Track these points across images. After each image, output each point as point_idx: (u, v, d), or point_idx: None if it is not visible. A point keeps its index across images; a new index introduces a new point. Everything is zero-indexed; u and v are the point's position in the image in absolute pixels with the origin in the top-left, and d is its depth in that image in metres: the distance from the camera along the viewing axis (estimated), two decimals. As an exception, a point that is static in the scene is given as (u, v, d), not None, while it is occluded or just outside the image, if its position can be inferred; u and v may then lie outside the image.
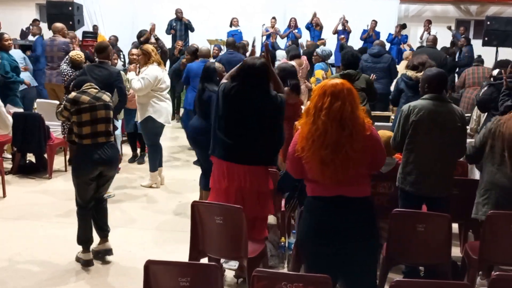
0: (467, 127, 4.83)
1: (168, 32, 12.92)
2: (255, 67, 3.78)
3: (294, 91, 5.25)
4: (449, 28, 13.24)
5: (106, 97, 4.44)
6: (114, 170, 4.55)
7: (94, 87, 4.45)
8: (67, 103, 4.32)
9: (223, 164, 3.85)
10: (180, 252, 3.98)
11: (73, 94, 4.36)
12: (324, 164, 2.74)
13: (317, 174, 2.80)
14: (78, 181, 4.31)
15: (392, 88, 7.27)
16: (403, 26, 13.88)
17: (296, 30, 13.36)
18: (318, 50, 8.52)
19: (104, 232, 4.53)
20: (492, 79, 5.64)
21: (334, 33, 13.65)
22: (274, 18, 13.71)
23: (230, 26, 13.27)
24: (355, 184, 2.82)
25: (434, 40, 9.30)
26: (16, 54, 8.31)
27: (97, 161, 4.25)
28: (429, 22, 13.43)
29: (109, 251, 4.52)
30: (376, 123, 4.51)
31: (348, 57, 6.08)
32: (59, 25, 9.16)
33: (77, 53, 7.23)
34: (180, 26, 12.99)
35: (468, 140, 4.24)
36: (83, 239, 4.39)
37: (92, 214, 4.45)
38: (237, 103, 3.80)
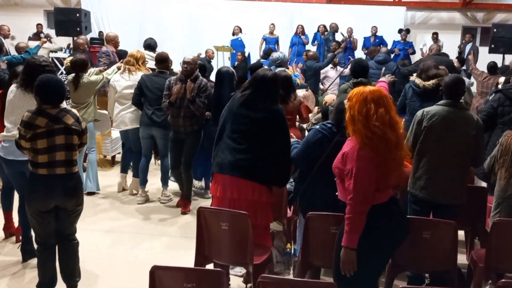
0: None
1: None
2: (267, 78, 3.86)
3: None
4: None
5: (69, 118, 3.61)
6: (76, 203, 3.73)
7: (60, 106, 3.65)
8: (21, 128, 3.57)
9: (221, 176, 3.84)
10: (186, 258, 3.99)
11: (26, 114, 3.59)
12: (395, 163, 2.92)
13: (387, 176, 2.92)
14: (30, 213, 3.67)
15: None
16: (407, 31, 13.88)
17: (304, 36, 13.37)
18: (274, 54, 8.61)
19: (70, 282, 3.80)
20: (500, 86, 5.62)
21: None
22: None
23: (233, 34, 13.31)
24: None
25: (437, 48, 9.33)
26: None
27: (51, 194, 3.60)
28: (436, 34, 13.44)
29: None
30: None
31: (352, 65, 6.17)
32: (111, 34, 8.63)
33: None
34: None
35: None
36: (45, 281, 3.75)
37: (57, 256, 3.78)
38: (241, 112, 3.81)
